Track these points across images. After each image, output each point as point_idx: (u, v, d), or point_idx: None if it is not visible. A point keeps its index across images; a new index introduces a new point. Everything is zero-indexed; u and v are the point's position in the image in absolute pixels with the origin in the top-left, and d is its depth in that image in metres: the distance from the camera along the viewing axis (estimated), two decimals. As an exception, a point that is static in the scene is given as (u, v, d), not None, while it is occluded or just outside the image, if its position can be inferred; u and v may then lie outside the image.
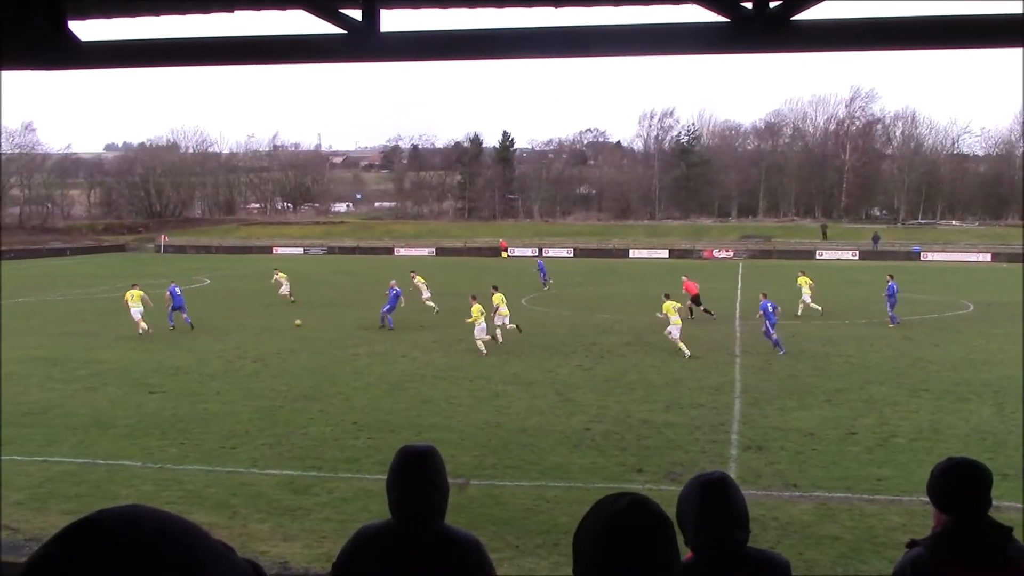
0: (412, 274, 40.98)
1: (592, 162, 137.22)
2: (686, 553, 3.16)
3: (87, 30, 5.45)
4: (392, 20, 5.16)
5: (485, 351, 26.75)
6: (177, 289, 33.14)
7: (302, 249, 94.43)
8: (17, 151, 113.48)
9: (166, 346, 28.16)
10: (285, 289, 41.76)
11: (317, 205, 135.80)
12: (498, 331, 28.95)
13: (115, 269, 54.34)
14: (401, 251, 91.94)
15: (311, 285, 50.56)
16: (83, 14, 5.68)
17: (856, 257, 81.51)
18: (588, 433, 17.03)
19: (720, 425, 17.69)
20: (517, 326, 29.31)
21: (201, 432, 17.21)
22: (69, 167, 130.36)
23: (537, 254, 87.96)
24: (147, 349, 27.54)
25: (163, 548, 1.09)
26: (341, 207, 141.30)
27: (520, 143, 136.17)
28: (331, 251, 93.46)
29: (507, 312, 29.66)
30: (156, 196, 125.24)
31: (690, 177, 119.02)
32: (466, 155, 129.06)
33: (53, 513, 12.49)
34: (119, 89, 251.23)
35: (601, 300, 42.75)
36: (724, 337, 29.35)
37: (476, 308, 27.64)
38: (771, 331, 27.15)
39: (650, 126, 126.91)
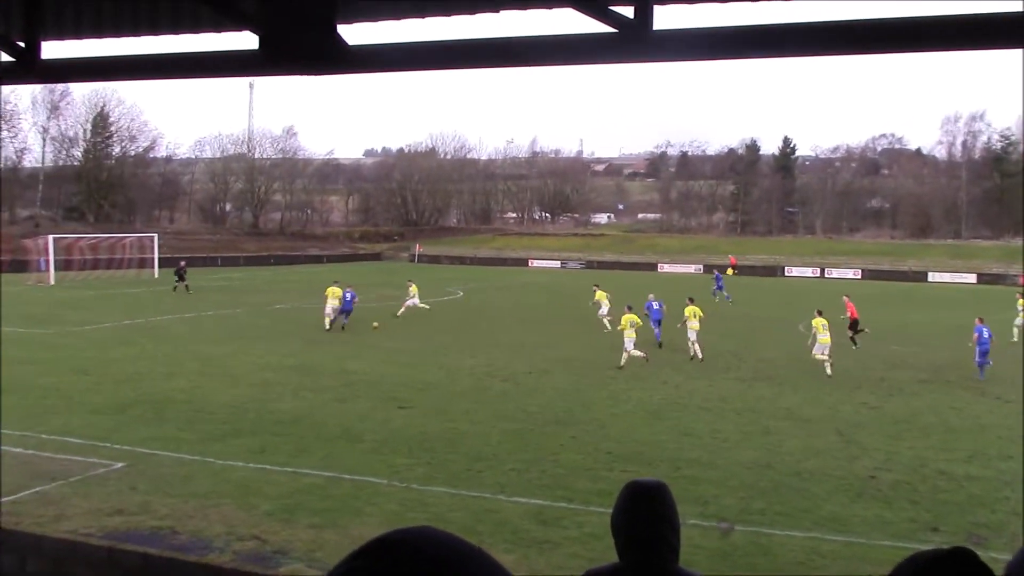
0: (595, 287, 41.93)
1: (886, 172, 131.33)
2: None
3: (353, 34, 5.81)
4: (666, 17, 5.16)
5: (623, 364, 28.33)
6: (348, 294, 37.59)
7: (559, 262, 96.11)
8: (280, 156, 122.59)
9: (416, 359, 29.44)
10: (413, 302, 42.74)
11: (576, 215, 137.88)
12: (694, 346, 30.40)
13: (369, 278, 57.52)
14: (665, 267, 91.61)
15: (566, 300, 51.32)
16: (351, 18, 6.06)
17: None
18: (873, 481, 16.27)
19: (1036, 483, 16.40)
20: (645, 356, 29.01)
21: (448, 452, 17.84)
22: (329, 173, 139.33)
23: (818, 275, 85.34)
24: (396, 362, 28.90)
25: (458, 570, 1.20)
26: (601, 218, 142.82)
27: (802, 150, 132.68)
28: (589, 265, 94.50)
29: (697, 326, 30.68)
30: (412, 203, 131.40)
31: (1005, 190, 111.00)
32: (740, 163, 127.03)
33: (300, 526, 13.32)
34: (381, 94, 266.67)
35: (893, 329, 40.73)
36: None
37: (626, 319, 29.19)
38: (981, 358, 27.73)
39: (955, 131, 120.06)
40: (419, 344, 33.08)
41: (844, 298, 36.67)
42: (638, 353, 28.78)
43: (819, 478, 16.43)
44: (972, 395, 24.85)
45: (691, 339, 30.63)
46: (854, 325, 34.79)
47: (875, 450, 18.61)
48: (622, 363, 28.48)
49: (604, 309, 38.89)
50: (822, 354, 28.20)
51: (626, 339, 28.88)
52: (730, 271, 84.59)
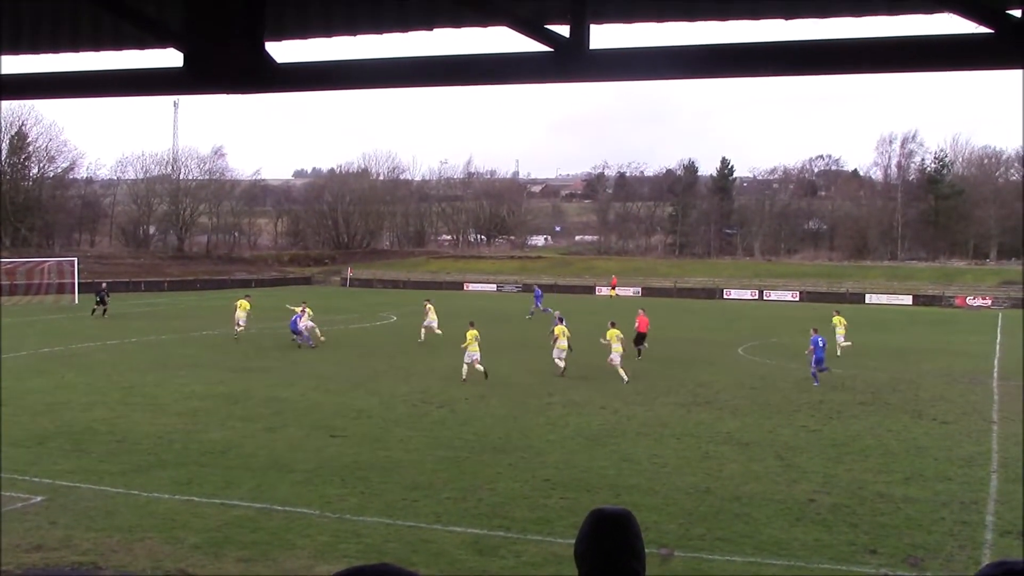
0: (426, 301, 46.21)
1: (823, 193, 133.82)
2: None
3: (282, 51, 5.79)
4: (602, 36, 5.22)
5: (465, 377, 30.59)
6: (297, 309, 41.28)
7: (495, 286, 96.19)
8: (206, 177, 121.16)
9: (349, 386, 29.26)
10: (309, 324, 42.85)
11: (512, 238, 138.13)
12: (558, 362, 32.41)
13: (299, 303, 57.10)
14: (603, 290, 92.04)
15: (504, 324, 51.37)
16: (280, 35, 6.04)
17: None
18: (812, 505, 16.48)
19: (972, 504, 16.72)
20: (485, 372, 30.89)
21: (382, 481, 17.72)
22: (258, 194, 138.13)
23: (757, 297, 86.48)
24: (329, 390, 28.69)
25: None
26: (538, 240, 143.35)
27: (740, 171, 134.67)
28: (527, 288, 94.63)
29: (564, 345, 32.60)
30: (344, 226, 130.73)
31: (939, 211, 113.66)
32: (679, 184, 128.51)
33: (229, 560, 13.13)
34: (311, 113, 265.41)
35: (831, 351, 41.37)
36: (979, 400, 27.80)
37: (470, 334, 31.37)
38: (815, 366, 31.08)
39: (890, 152, 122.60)
40: (352, 371, 32.88)
41: (639, 311, 39.92)
42: (479, 367, 30.83)
43: (759, 502, 16.59)
44: (910, 417, 25.29)
45: (557, 356, 32.69)
46: (640, 338, 37.97)
47: (814, 473, 18.85)
48: (464, 376, 30.76)
49: (432, 322, 43.29)
50: (614, 362, 31.41)
51: (468, 353, 31.12)
52: (612, 292, 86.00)
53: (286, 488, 17.18)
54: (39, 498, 16.13)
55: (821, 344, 31.24)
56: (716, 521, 15.38)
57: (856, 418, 25.21)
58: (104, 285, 58.59)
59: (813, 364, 31.18)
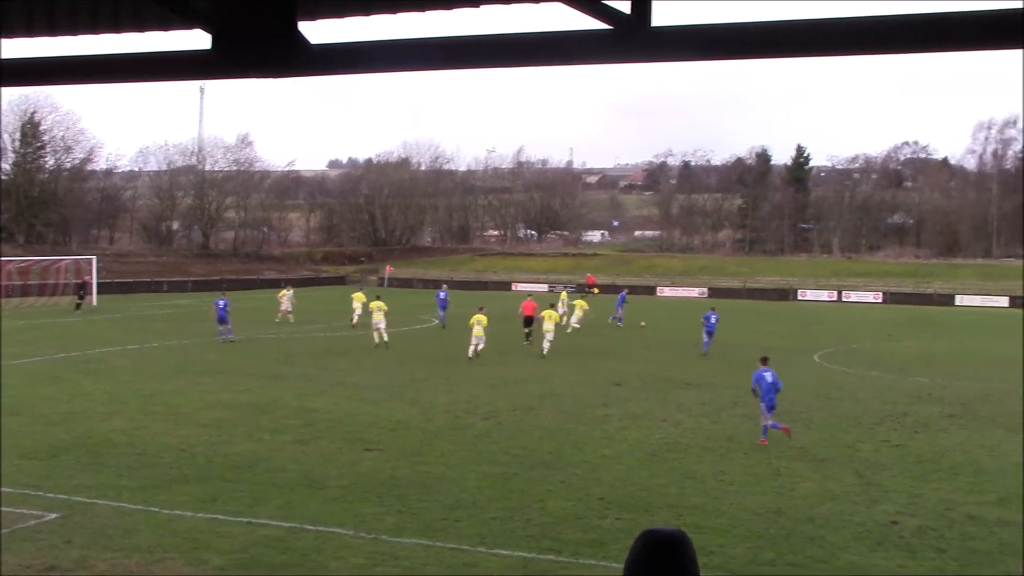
0: (376, 298, 48.21)
1: (909, 184, 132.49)
2: None
3: (316, 32, 5.83)
4: (666, 13, 5.20)
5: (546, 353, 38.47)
6: (221, 302, 44.97)
7: (547, 286, 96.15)
8: (233, 168, 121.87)
9: (386, 396, 29.36)
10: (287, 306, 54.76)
11: (566, 233, 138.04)
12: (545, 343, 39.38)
13: (333, 305, 57.39)
14: (665, 291, 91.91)
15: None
16: (314, 14, 6.08)
17: None
18: (895, 527, 16.32)
19: (1076, 529, 16.46)
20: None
21: (421, 499, 17.77)
22: (289, 186, 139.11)
23: (835, 298, 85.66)
24: (364, 399, 28.82)
25: None
26: (594, 236, 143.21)
27: (817, 160, 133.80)
28: (580, 289, 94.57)
29: (552, 328, 39.73)
30: (382, 220, 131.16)
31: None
32: (749, 174, 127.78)
33: (257, 582, 13.22)
34: (347, 98, 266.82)
35: (917, 359, 40.98)
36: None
37: (546, 313, 40.27)
38: (707, 338, 40.83)
39: (987, 139, 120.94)
40: (389, 378, 32.99)
41: (527, 298, 48.57)
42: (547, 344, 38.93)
43: (835, 524, 16.45)
44: (1004, 432, 24.94)
45: (547, 338, 39.41)
46: (528, 321, 44.63)
47: (897, 493, 18.65)
48: (544, 352, 38.67)
49: (356, 313, 50.87)
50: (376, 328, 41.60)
51: (544, 332, 39.37)
52: (595, 291, 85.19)
53: (317, 505, 17.27)
54: (53, 515, 16.34)
55: (714, 320, 40.88)
56: (787, 545, 15.26)
57: (944, 432, 24.93)
58: (87, 279, 67.67)
59: (705, 335, 40.75)
